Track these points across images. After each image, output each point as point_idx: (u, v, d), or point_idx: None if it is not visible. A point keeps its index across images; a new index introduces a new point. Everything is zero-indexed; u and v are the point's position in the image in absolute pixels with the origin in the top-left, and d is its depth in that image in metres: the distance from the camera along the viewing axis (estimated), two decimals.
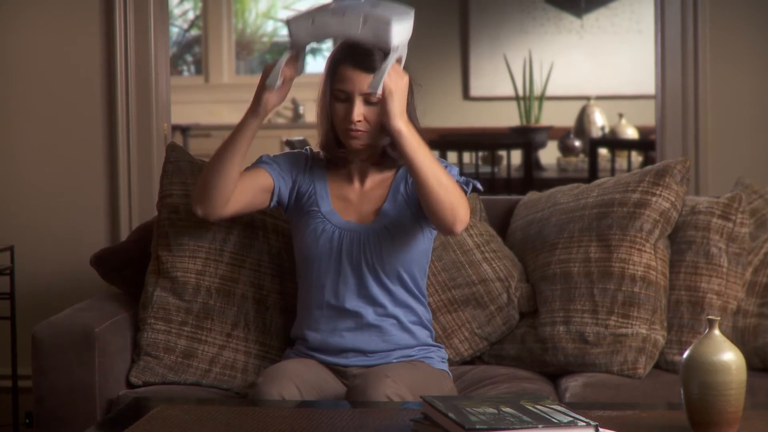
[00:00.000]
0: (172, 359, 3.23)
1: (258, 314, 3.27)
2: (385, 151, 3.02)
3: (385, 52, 2.79)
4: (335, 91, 2.98)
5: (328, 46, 9.10)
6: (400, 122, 2.81)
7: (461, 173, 6.07)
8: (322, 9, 2.74)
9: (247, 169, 3.05)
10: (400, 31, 2.71)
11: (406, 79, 2.85)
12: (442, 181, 2.84)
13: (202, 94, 10.69)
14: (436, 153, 6.74)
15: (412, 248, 3.01)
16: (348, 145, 3.00)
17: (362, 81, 2.93)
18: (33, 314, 4.06)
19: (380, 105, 2.87)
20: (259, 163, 3.07)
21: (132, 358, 3.27)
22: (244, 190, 2.99)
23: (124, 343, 3.25)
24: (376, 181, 3.07)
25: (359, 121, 2.94)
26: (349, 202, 3.06)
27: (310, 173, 3.08)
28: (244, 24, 11.40)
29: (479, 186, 3.09)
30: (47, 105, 4.36)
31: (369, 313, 2.99)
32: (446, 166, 2.99)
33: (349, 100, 2.96)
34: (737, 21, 4.37)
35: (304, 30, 2.77)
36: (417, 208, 3.00)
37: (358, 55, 2.94)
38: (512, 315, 3.41)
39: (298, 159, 3.11)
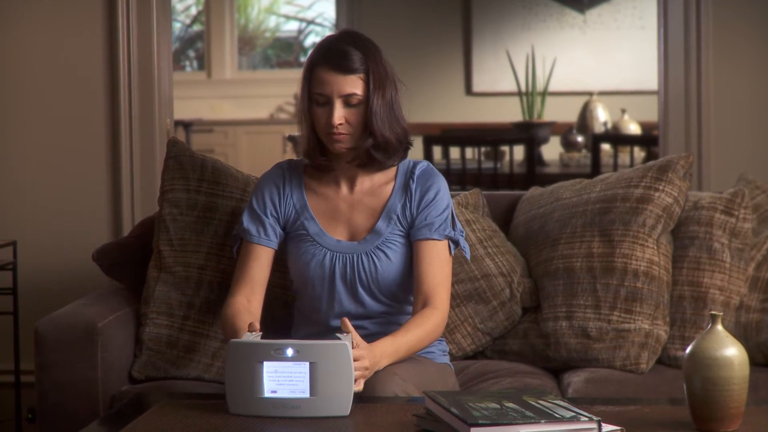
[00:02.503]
0: (174, 354, 3.23)
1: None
2: (369, 153, 2.92)
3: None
4: (314, 94, 2.89)
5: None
6: (383, 363, 2.71)
7: (464, 171, 5.99)
8: (264, 412, 2.50)
9: (240, 254, 2.98)
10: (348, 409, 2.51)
11: (364, 363, 2.61)
12: (420, 348, 2.86)
13: (205, 89, 10.69)
14: (439, 148, 6.77)
15: (406, 266, 2.96)
16: (331, 149, 2.92)
17: (340, 83, 2.85)
18: (36, 309, 4.07)
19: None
20: (246, 235, 2.97)
21: (134, 353, 3.27)
22: (259, 288, 2.96)
23: (126, 338, 3.25)
24: (367, 187, 2.99)
25: (340, 123, 2.87)
26: (338, 215, 2.98)
27: (289, 193, 3.00)
28: (247, 19, 11.40)
29: (467, 253, 3.03)
30: (50, 100, 4.36)
31: (369, 325, 2.96)
32: (445, 219, 2.93)
33: (328, 104, 2.87)
34: (740, 17, 4.37)
35: (242, 404, 2.51)
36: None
37: (334, 57, 2.87)
38: (515, 310, 3.41)
39: (272, 185, 3.01)
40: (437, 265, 2.91)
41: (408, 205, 2.96)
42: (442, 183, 2.98)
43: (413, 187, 2.96)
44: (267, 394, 2.50)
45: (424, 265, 2.91)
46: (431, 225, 2.92)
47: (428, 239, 2.92)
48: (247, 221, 2.99)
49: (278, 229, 3.00)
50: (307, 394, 2.49)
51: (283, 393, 2.50)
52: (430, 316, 2.85)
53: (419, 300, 2.88)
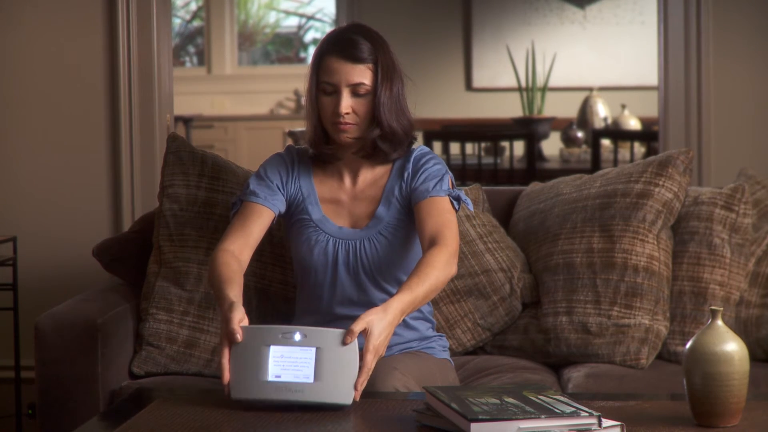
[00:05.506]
0: (174, 349, 3.24)
1: (260, 304, 3.27)
2: (375, 144, 2.94)
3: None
4: (321, 83, 2.90)
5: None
6: (397, 320, 2.62)
7: (464, 166, 5.97)
8: (267, 397, 2.49)
9: (240, 212, 2.94)
10: (352, 397, 2.50)
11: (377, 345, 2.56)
12: (437, 289, 2.77)
13: (205, 85, 10.69)
14: (439, 144, 6.77)
15: (409, 250, 2.97)
16: (337, 139, 2.93)
17: (349, 72, 2.87)
18: (36, 305, 4.07)
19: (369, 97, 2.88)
20: (250, 196, 2.95)
21: (134, 349, 3.28)
22: (253, 244, 2.91)
23: (126, 334, 3.25)
24: (369, 179, 3.00)
25: (347, 113, 2.88)
26: (340, 205, 2.99)
27: (296, 176, 3.01)
28: (247, 15, 11.39)
29: (470, 205, 3.01)
30: (50, 96, 4.36)
31: None
32: (440, 179, 2.92)
33: (336, 93, 2.88)
34: (740, 12, 4.37)
35: (249, 402, 2.51)
36: (412, 213, 2.96)
37: (344, 46, 2.89)
38: (515, 305, 3.41)
39: (282, 164, 3.02)
40: (438, 213, 2.88)
41: (403, 184, 2.96)
42: (437, 158, 3.00)
43: (408, 166, 2.97)
44: (271, 378, 2.50)
45: (425, 215, 2.87)
46: (428, 186, 2.92)
47: (427, 198, 2.90)
48: (254, 185, 2.97)
49: (283, 200, 2.98)
50: (311, 380, 2.49)
51: (287, 377, 2.49)
52: (439, 253, 2.77)
53: (425, 244, 2.84)
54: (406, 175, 2.97)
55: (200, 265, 3.28)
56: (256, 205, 2.95)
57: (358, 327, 2.52)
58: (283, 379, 2.50)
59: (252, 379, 2.50)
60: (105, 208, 4.37)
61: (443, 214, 2.89)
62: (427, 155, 3.00)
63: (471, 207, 3.03)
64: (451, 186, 2.96)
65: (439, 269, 2.75)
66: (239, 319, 2.57)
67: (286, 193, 3.00)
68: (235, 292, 2.70)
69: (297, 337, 2.52)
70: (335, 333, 2.52)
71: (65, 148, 4.35)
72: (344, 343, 2.51)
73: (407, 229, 2.96)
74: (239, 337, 2.54)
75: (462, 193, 2.97)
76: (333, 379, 2.49)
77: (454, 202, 2.94)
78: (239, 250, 2.88)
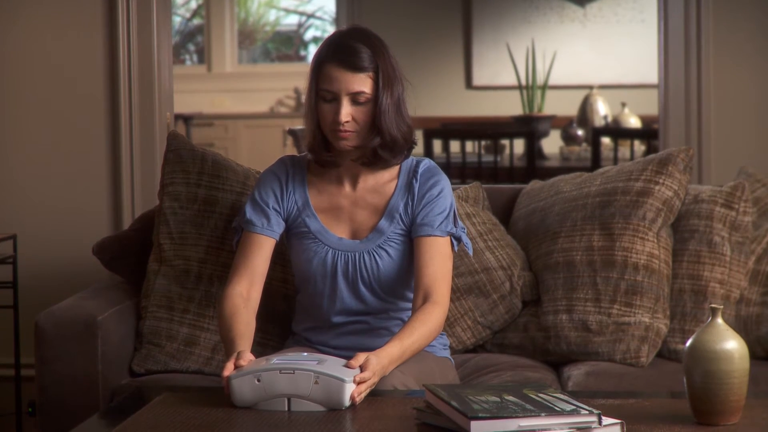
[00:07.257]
0: (174, 347, 3.24)
1: (260, 302, 3.27)
2: (375, 152, 2.91)
3: (336, 408, 2.51)
4: (321, 91, 2.86)
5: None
6: (390, 369, 2.68)
7: (464, 164, 5.97)
8: (268, 367, 2.50)
9: (241, 244, 2.95)
10: (352, 387, 2.52)
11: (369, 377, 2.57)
12: (425, 345, 2.83)
13: (205, 83, 10.69)
14: (439, 142, 6.77)
15: (408, 264, 2.95)
16: (336, 146, 2.89)
17: (348, 80, 2.83)
18: (36, 303, 4.06)
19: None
20: (248, 226, 2.94)
21: (134, 347, 3.28)
22: (260, 278, 2.93)
23: (126, 332, 3.25)
24: (370, 185, 2.97)
25: (347, 121, 2.84)
26: (340, 211, 2.97)
27: (291, 190, 2.98)
28: (247, 13, 11.39)
29: (469, 247, 3.02)
30: (49, 94, 4.36)
31: (371, 320, 2.97)
32: (447, 215, 2.92)
33: (335, 100, 2.84)
34: (740, 10, 4.36)
35: (249, 389, 2.49)
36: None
37: (344, 54, 2.84)
38: (515, 303, 3.41)
39: (275, 180, 2.99)
40: (438, 260, 2.90)
41: (410, 203, 2.94)
42: (444, 181, 2.97)
43: (416, 185, 2.95)
44: (274, 362, 2.53)
45: (425, 259, 2.89)
46: (433, 222, 2.91)
47: (429, 236, 2.91)
48: (249, 212, 2.97)
49: (281, 221, 2.98)
50: (313, 363, 2.52)
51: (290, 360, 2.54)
52: (431, 312, 2.83)
53: (419, 294, 2.86)
54: (412, 192, 2.95)
55: (200, 264, 3.28)
56: (255, 236, 2.95)
57: (360, 358, 2.57)
58: (285, 360, 2.53)
59: (254, 368, 2.52)
60: (105, 206, 4.37)
61: (442, 261, 2.90)
62: (435, 175, 2.97)
63: (471, 250, 3.05)
64: (454, 221, 2.95)
65: (432, 329, 2.82)
66: (247, 358, 2.60)
67: (283, 210, 2.98)
68: (244, 347, 2.71)
69: (304, 353, 2.60)
70: (339, 359, 2.59)
71: (65, 146, 4.35)
72: (346, 366, 2.55)
73: (407, 244, 2.95)
74: (244, 362, 2.56)
75: (464, 234, 2.97)
76: (334, 365, 2.53)
77: (454, 243, 2.95)
78: (246, 290, 2.91)
